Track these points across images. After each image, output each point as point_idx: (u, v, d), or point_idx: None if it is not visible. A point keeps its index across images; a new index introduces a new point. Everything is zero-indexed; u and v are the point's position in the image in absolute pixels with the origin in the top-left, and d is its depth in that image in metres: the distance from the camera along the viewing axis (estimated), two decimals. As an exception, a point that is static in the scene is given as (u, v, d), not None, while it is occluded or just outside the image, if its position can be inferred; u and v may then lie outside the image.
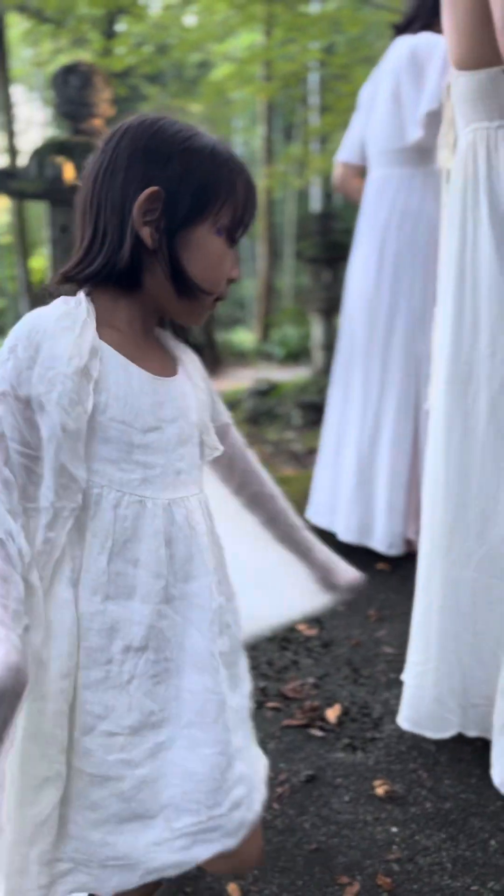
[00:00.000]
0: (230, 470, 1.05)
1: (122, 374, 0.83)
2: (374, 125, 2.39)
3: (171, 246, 0.84)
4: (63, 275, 0.87)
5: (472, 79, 1.32)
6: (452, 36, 1.35)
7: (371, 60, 6.10)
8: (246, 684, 0.95)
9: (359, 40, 7.73)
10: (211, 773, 0.82)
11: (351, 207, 2.69)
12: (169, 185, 0.83)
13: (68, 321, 0.80)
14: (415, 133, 2.22)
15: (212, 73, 10.45)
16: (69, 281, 0.87)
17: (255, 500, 1.07)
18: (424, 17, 2.26)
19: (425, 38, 2.22)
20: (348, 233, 2.70)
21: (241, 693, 0.93)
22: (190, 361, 0.95)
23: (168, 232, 0.83)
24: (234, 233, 0.88)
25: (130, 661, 0.81)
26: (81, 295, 0.85)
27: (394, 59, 2.30)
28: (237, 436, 1.05)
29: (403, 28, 2.34)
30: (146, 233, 0.83)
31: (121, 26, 8.77)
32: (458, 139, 1.42)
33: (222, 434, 1.00)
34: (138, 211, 0.82)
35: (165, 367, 0.90)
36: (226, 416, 1.02)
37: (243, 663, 0.95)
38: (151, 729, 0.82)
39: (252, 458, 1.07)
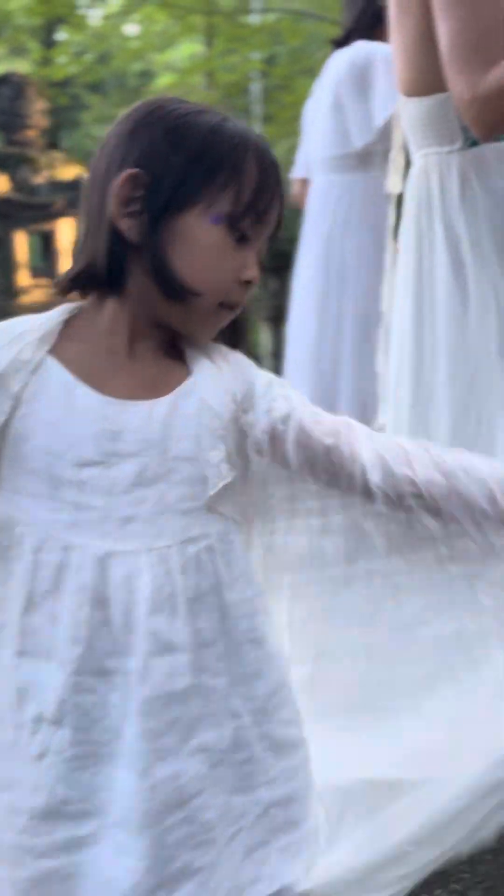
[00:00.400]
0: (311, 467, 0.78)
1: (61, 395, 0.72)
2: (316, 134, 2.43)
3: (155, 237, 0.72)
4: (55, 284, 0.77)
5: (422, 105, 1.32)
6: (400, 62, 1.35)
7: (312, 72, 6.15)
8: (263, 791, 0.75)
9: (300, 51, 7.80)
10: (133, 890, 0.69)
11: (296, 216, 2.73)
12: (154, 167, 0.71)
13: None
14: (364, 137, 2.26)
15: (154, 82, 10.42)
16: (60, 289, 0.76)
17: (373, 490, 0.77)
18: (362, 29, 2.28)
19: (361, 46, 2.26)
20: (293, 241, 2.72)
21: (253, 799, 0.74)
22: (214, 376, 0.77)
23: (151, 220, 0.71)
24: (238, 222, 0.73)
25: (42, 734, 0.69)
26: (63, 306, 0.76)
27: (333, 71, 2.35)
28: (305, 426, 0.78)
29: (342, 42, 2.37)
30: (125, 224, 0.71)
31: (60, 35, 8.69)
32: (411, 164, 1.42)
33: (274, 437, 0.77)
34: (115, 198, 0.71)
35: (155, 385, 0.75)
36: (272, 415, 0.77)
37: (263, 767, 0.75)
38: (69, 819, 0.70)
39: (345, 435, 0.78)
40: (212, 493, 0.73)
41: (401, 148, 1.48)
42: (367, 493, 0.79)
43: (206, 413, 0.75)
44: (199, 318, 0.76)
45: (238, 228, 0.73)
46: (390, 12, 1.34)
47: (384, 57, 2.13)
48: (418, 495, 0.78)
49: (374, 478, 0.78)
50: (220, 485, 0.73)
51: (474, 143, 1.32)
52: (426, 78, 1.29)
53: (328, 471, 0.79)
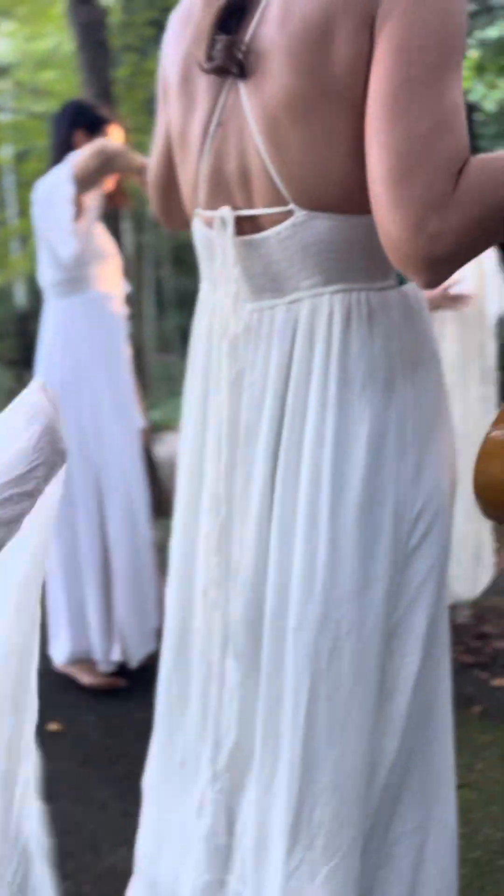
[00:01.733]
0: None
1: None
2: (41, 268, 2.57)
3: None
4: None
5: (351, 225, 0.92)
6: (315, 163, 0.89)
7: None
8: None
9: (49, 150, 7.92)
10: None
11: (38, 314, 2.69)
12: None
13: None
14: (69, 247, 2.31)
15: None
16: None
17: None
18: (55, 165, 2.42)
19: (38, 185, 2.41)
20: (32, 341, 2.67)
21: None
22: None
23: None
24: None
25: None
26: None
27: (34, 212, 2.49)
28: None
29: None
30: None
31: None
32: (275, 308, 1.00)
33: None
34: None
35: None
36: None
37: None
38: None
39: None
40: None
41: (260, 289, 1.02)
42: None
43: None
44: None
45: None
46: (272, 112, 0.89)
47: (65, 175, 2.24)
48: None
49: None
50: None
51: (402, 281, 0.97)
52: (360, 188, 0.87)
53: None
